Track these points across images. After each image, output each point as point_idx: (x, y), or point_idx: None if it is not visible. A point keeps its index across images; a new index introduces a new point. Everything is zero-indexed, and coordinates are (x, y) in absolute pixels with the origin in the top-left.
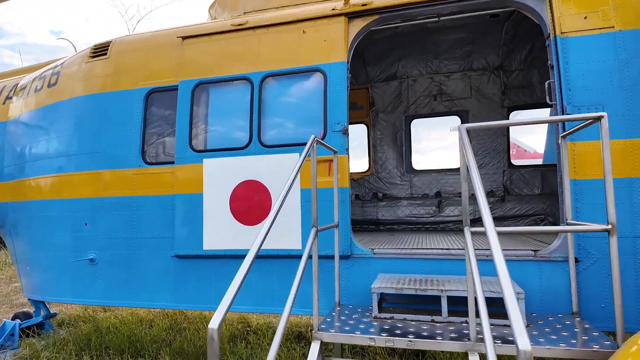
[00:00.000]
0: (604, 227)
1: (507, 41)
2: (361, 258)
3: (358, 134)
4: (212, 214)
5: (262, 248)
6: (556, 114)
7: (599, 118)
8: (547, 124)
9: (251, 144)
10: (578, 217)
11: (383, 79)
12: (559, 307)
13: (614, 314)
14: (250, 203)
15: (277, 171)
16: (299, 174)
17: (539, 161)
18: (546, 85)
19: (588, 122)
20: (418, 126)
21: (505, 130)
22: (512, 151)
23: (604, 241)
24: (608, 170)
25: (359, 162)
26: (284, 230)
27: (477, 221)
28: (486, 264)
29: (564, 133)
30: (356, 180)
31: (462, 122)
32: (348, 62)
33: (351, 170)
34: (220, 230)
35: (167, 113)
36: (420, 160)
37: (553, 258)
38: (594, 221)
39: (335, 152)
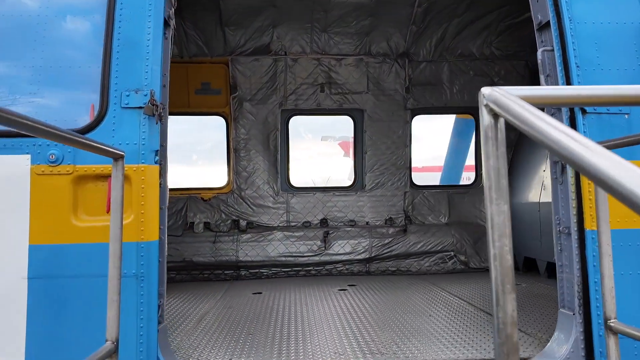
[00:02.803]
0: None
1: (418, 18)
2: None
3: (212, 129)
4: None
5: None
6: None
7: None
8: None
9: None
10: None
11: (250, 51)
12: None
13: None
14: None
15: None
16: (26, 208)
17: (437, 175)
18: (539, 57)
19: None
20: (299, 125)
21: (408, 139)
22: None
23: None
24: None
25: (211, 171)
26: None
27: (374, 260)
28: None
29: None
30: (207, 200)
31: (355, 125)
32: None
33: (202, 185)
34: None
35: None
36: (302, 173)
37: None
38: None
39: (120, 158)
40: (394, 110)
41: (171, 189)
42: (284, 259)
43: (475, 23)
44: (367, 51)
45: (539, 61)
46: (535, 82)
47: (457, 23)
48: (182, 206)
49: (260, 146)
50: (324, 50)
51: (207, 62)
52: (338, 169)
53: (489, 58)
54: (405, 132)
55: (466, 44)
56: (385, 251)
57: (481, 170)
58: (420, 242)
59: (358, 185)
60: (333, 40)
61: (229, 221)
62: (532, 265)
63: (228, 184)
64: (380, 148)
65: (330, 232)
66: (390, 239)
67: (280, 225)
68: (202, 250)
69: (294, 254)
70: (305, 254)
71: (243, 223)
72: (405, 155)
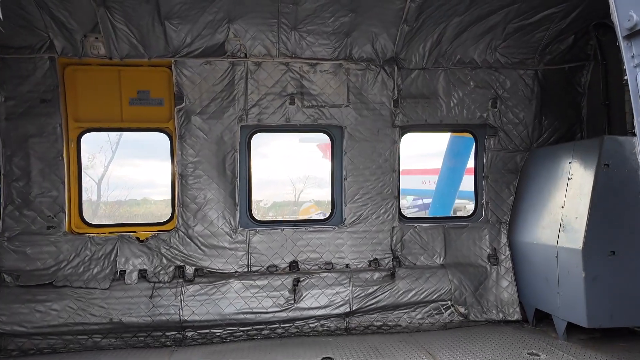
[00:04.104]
0: None
1: (410, 16)
2: None
3: (153, 147)
4: None
5: None
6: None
7: None
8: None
9: None
10: None
11: (199, 51)
12: None
13: None
14: None
15: None
16: None
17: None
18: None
19: None
20: (262, 144)
21: (396, 163)
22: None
23: None
24: None
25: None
26: None
27: (356, 313)
28: None
29: None
30: (144, 241)
31: (333, 143)
32: None
33: (139, 220)
34: None
35: None
36: (267, 204)
37: None
38: None
39: None
40: (380, 127)
41: (96, 226)
42: (242, 316)
43: (478, 24)
44: (348, 55)
45: (631, 81)
46: (546, 97)
47: (457, 23)
48: (111, 249)
49: (213, 171)
50: (295, 52)
51: (144, 64)
52: (316, 169)
53: (492, 66)
54: (393, 154)
55: (466, 49)
56: (369, 302)
57: (481, 200)
58: (412, 290)
59: (336, 218)
60: (305, 40)
61: (171, 268)
62: (544, 320)
63: (172, 219)
64: (363, 173)
65: (301, 279)
66: (375, 287)
67: (238, 271)
68: (135, 307)
69: (256, 310)
70: (269, 310)
71: (190, 270)
72: (393, 182)
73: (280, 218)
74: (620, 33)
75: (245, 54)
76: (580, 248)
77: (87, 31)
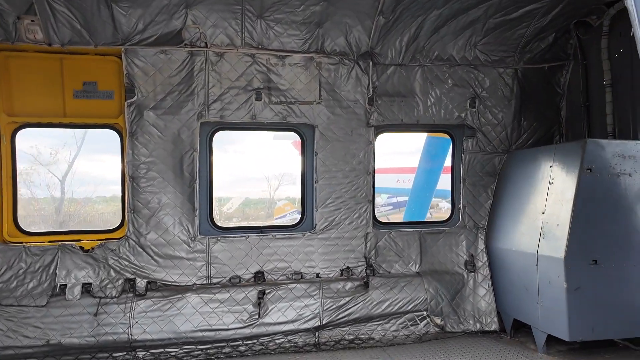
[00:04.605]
0: None
1: (387, 7)
2: None
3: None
4: None
5: None
6: None
7: None
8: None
9: None
10: None
11: (153, 39)
12: None
13: None
14: None
15: None
16: None
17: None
18: None
19: None
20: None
21: (371, 165)
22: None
23: None
24: None
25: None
26: None
27: (326, 327)
28: None
29: None
30: (89, 251)
31: (303, 143)
32: None
33: (83, 227)
34: None
35: None
36: (230, 209)
37: None
38: None
39: None
40: (354, 127)
41: (33, 234)
42: (200, 334)
43: (458, 18)
44: (319, 48)
45: None
46: (525, 97)
47: (436, 17)
48: (50, 260)
49: (169, 173)
50: (261, 43)
51: (90, 53)
52: (292, 166)
53: (471, 64)
54: (368, 155)
55: (445, 45)
56: (340, 315)
57: (458, 204)
58: (386, 300)
59: (306, 224)
60: (273, 30)
61: (120, 281)
62: (522, 329)
63: (121, 226)
64: (335, 176)
65: (267, 291)
66: (347, 298)
67: (197, 284)
68: (77, 326)
69: (215, 327)
70: (231, 326)
71: (141, 283)
72: (367, 185)
73: (244, 224)
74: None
75: (206, 43)
76: (563, 257)
77: (20, 12)
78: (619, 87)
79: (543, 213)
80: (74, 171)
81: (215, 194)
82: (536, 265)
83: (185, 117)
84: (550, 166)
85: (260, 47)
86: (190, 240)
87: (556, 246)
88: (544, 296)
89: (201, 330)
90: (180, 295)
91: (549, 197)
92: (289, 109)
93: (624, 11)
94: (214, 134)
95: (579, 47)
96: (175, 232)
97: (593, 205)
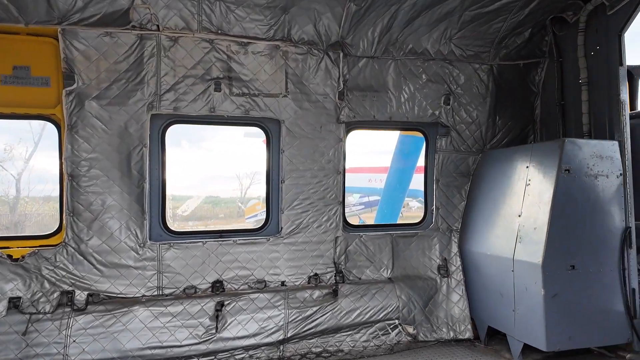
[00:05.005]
0: None
1: None
2: None
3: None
4: None
5: None
6: None
7: None
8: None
9: None
10: None
11: (96, 19)
12: None
13: None
14: None
15: None
16: None
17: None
18: None
19: None
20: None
21: (341, 164)
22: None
23: None
24: None
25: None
26: None
27: (292, 340)
28: None
29: None
30: (18, 260)
31: (268, 139)
32: None
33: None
34: None
35: None
36: (185, 211)
37: None
38: None
39: None
40: (323, 123)
41: None
42: (149, 352)
43: (433, 9)
44: (286, 35)
45: None
46: (500, 95)
47: (410, 7)
48: None
49: (115, 171)
50: (221, 28)
51: (21, 32)
52: (264, 164)
53: (446, 59)
54: (338, 153)
55: (419, 38)
56: (307, 327)
57: (431, 205)
58: (356, 309)
59: (271, 228)
60: (234, 14)
61: (55, 294)
62: (496, 336)
63: (59, 231)
64: (303, 175)
65: (226, 302)
66: (315, 308)
67: (146, 295)
68: (2, 348)
69: (167, 344)
70: (184, 342)
71: (81, 296)
72: (337, 186)
73: (202, 228)
74: None
75: (158, 26)
76: (540, 262)
77: None
78: (595, 85)
79: (519, 216)
80: (32, 168)
81: (184, 193)
82: (512, 271)
83: (134, 109)
84: (527, 167)
85: (219, 32)
86: (138, 247)
87: (533, 251)
88: (520, 303)
89: (150, 348)
90: (126, 309)
91: (525, 199)
92: (252, 101)
93: (601, 7)
94: (167, 127)
95: (555, 43)
96: (121, 238)
97: (571, 208)
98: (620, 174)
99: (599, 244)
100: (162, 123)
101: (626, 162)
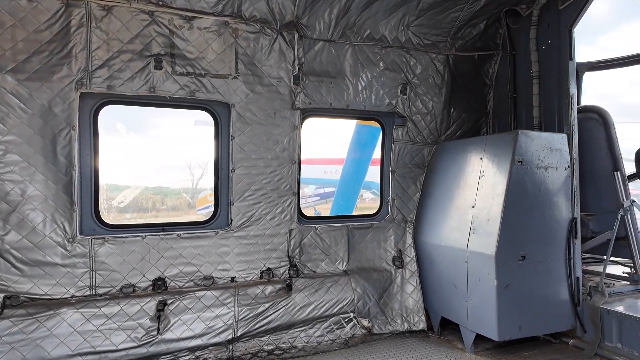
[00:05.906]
0: None
1: None
2: None
3: None
4: None
5: None
6: None
7: None
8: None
9: None
10: None
11: None
12: None
13: None
14: None
15: None
16: None
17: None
18: None
19: None
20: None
21: (297, 152)
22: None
23: None
24: None
25: None
26: None
27: (242, 338)
28: None
29: None
30: None
31: (217, 124)
32: None
33: None
34: None
35: None
36: (122, 202)
37: None
38: None
39: None
40: (277, 108)
41: None
42: (80, 358)
43: None
44: (236, 11)
45: None
46: (455, 86)
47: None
48: None
49: (37, 157)
50: None
51: None
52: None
53: (403, 47)
54: (293, 141)
55: (377, 23)
56: (258, 324)
57: (387, 197)
58: (310, 304)
59: (220, 220)
60: None
61: None
62: (448, 327)
63: None
64: (255, 165)
65: (169, 301)
66: (267, 304)
67: (76, 296)
68: None
69: (101, 349)
70: (121, 346)
71: None
72: (292, 176)
73: (142, 221)
74: None
75: None
76: (494, 254)
77: None
78: (545, 79)
79: (473, 207)
80: None
81: (132, 184)
82: (466, 262)
83: (59, 86)
84: (481, 158)
85: (160, 3)
86: (67, 242)
87: (487, 242)
88: (473, 294)
89: (81, 354)
90: (52, 312)
91: (479, 191)
92: (198, 82)
93: (553, 1)
94: (100, 108)
95: (508, 36)
96: (45, 232)
97: (522, 200)
98: (568, 166)
99: (548, 234)
100: (93, 103)
101: (574, 154)
